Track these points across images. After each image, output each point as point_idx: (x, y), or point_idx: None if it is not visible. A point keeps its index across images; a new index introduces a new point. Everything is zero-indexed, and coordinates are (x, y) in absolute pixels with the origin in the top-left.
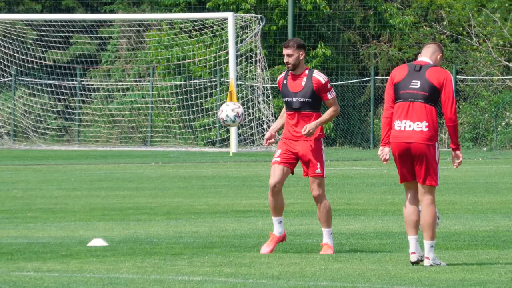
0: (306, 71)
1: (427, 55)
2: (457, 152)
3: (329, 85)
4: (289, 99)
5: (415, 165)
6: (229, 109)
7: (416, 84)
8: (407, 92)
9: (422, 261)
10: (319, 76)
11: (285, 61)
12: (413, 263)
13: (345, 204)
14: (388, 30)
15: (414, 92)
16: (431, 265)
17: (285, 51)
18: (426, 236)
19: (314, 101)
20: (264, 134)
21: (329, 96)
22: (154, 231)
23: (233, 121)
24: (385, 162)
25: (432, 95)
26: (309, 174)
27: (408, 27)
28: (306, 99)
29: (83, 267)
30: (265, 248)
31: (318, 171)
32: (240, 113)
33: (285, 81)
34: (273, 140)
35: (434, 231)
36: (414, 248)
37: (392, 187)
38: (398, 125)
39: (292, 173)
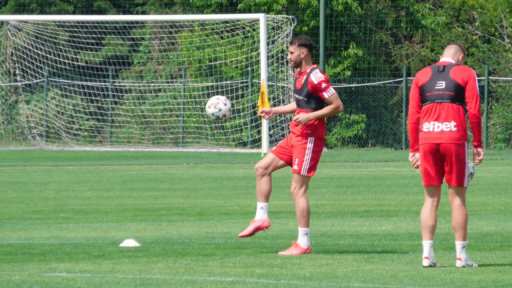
0: (308, 70)
1: (449, 55)
2: (479, 149)
3: (323, 85)
4: (294, 94)
5: (444, 166)
6: (208, 106)
7: (442, 84)
8: (433, 94)
9: (434, 266)
10: (314, 77)
11: (288, 57)
12: (425, 267)
13: (377, 205)
14: (420, 30)
15: (440, 93)
16: (463, 266)
17: (289, 48)
18: (458, 237)
19: (310, 100)
20: None
21: (326, 95)
22: (186, 232)
23: (219, 110)
24: (417, 169)
25: (458, 94)
26: (292, 170)
27: (440, 27)
28: (302, 97)
29: (115, 267)
30: (243, 232)
31: (295, 167)
32: (218, 102)
33: (296, 77)
34: (267, 116)
35: (466, 231)
36: (427, 253)
37: (424, 188)
38: (427, 126)
39: (287, 165)
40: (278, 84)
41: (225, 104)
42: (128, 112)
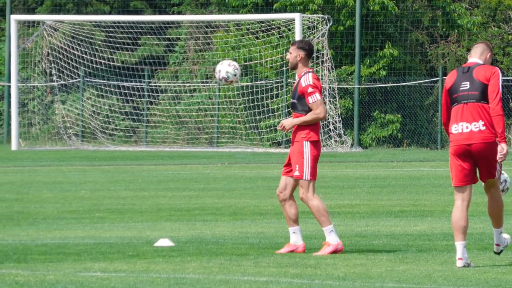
0: (302, 73)
1: (476, 55)
2: (502, 144)
3: (309, 89)
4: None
5: (478, 165)
6: (225, 66)
7: (466, 85)
8: (459, 95)
9: (468, 266)
10: (304, 80)
11: (286, 57)
12: (459, 268)
13: (412, 206)
14: (456, 30)
15: (465, 93)
16: (501, 251)
17: (290, 49)
18: (494, 224)
19: (300, 103)
20: (330, 135)
21: (310, 100)
22: (220, 232)
23: (234, 75)
24: None
25: (483, 93)
26: (293, 176)
27: (476, 27)
28: (294, 100)
29: (150, 267)
30: (279, 250)
31: (296, 173)
32: (236, 66)
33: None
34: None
35: (502, 219)
36: (461, 254)
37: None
38: (456, 128)
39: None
40: None
41: (235, 75)
42: (163, 112)
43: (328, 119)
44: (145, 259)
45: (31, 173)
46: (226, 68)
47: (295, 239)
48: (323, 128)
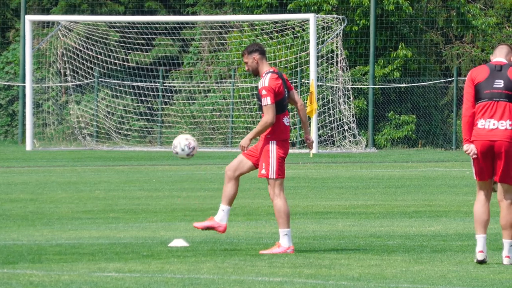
0: (264, 74)
1: (502, 55)
2: None
3: (263, 92)
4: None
5: (495, 163)
6: (182, 139)
7: (500, 83)
8: (491, 92)
9: (486, 261)
10: (261, 81)
11: (245, 69)
12: (479, 261)
13: (426, 206)
14: (471, 31)
15: (499, 91)
16: (511, 264)
17: (244, 60)
18: (506, 236)
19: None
20: (345, 136)
21: (262, 103)
22: (234, 232)
23: (182, 150)
24: (474, 156)
25: None
26: (258, 175)
27: (491, 28)
28: (259, 102)
29: (164, 267)
30: (197, 223)
31: (263, 171)
32: (191, 145)
33: None
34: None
35: None
36: (481, 246)
37: (474, 188)
38: (482, 124)
39: (254, 168)
40: (327, 84)
41: (183, 150)
42: (177, 112)
43: (342, 119)
44: (160, 259)
45: (46, 174)
46: (181, 140)
47: (222, 217)
48: (337, 129)
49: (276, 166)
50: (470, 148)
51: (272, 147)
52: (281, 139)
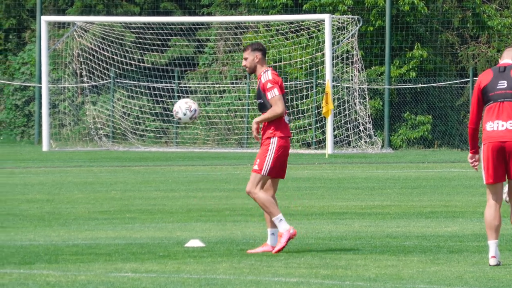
0: (262, 73)
1: (509, 57)
2: None
3: (268, 85)
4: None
5: (508, 163)
6: (182, 103)
7: (503, 84)
8: (496, 94)
9: (499, 265)
10: (263, 77)
11: (242, 64)
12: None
13: (443, 207)
14: (486, 31)
15: (503, 92)
16: None
17: (244, 55)
18: None
19: (266, 102)
20: (360, 136)
21: (269, 96)
22: (251, 232)
23: (184, 114)
24: (475, 168)
25: None
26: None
27: (507, 28)
28: (259, 100)
29: (181, 267)
30: (255, 249)
31: (256, 167)
32: (192, 107)
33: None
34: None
35: None
36: (494, 252)
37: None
38: (490, 126)
39: (280, 177)
40: (342, 85)
41: (185, 114)
42: None
43: (358, 119)
44: (176, 259)
45: (62, 174)
46: (181, 104)
47: (273, 241)
48: (353, 129)
49: (271, 165)
50: (474, 159)
51: (272, 146)
52: (283, 136)
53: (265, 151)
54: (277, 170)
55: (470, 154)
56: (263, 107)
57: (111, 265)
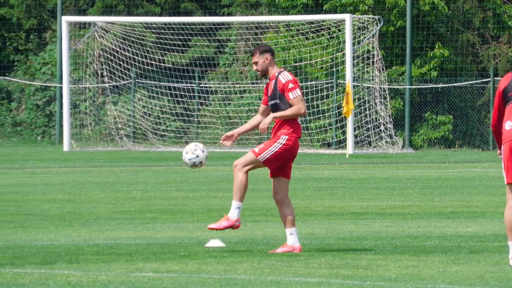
0: (276, 73)
1: None
2: None
3: (290, 85)
4: (269, 103)
5: None
6: (188, 154)
7: None
8: None
9: None
10: (282, 77)
11: (253, 69)
12: None
13: (463, 207)
14: (507, 31)
15: None
16: None
17: (252, 60)
18: None
19: (282, 103)
20: (381, 136)
21: (291, 96)
22: (271, 232)
23: (197, 156)
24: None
25: None
26: (269, 175)
27: None
28: (275, 101)
29: (201, 267)
30: (276, 250)
31: (256, 150)
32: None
33: (267, 88)
34: (228, 142)
35: None
36: None
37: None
38: (509, 125)
39: (285, 177)
40: (363, 85)
41: (203, 151)
42: (213, 113)
43: (379, 119)
44: (197, 259)
45: (83, 174)
46: (186, 155)
47: (293, 240)
48: (374, 129)
49: (270, 155)
50: (500, 152)
51: (282, 140)
52: (293, 135)
53: (272, 142)
54: (275, 166)
55: (498, 151)
56: (278, 108)
57: (132, 265)
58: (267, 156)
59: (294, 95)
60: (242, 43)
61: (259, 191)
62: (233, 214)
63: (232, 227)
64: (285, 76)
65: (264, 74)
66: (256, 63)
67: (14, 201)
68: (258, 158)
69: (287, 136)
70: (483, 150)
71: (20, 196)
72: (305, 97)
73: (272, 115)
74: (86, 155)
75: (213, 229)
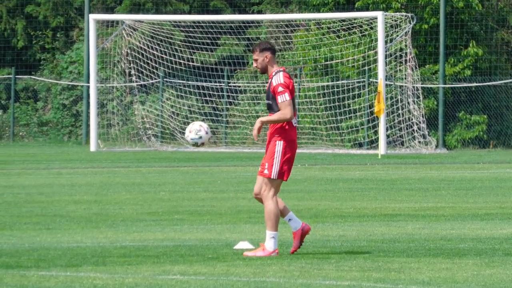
0: (273, 73)
1: None
2: None
3: (279, 88)
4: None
5: None
6: (191, 133)
7: None
8: None
9: None
10: (275, 79)
11: (253, 66)
12: None
13: (498, 208)
14: None
15: None
16: None
17: (253, 56)
18: None
19: (274, 103)
20: (414, 136)
21: (279, 100)
22: None
23: (200, 137)
24: None
25: None
26: (258, 173)
27: None
28: (268, 101)
29: (229, 270)
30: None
31: (266, 172)
32: (200, 129)
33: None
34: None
35: None
36: None
37: None
38: None
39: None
40: (395, 84)
41: (206, 133)
42: (242, 112)
43: (412, 119)
44: (225, 262)
45: (110, 174)
46: (189, 134)
47: (295, 224)
48: (407, 129)
49: (279, 167)
50: None
51: (279, 148)
52: (289, 140)
53: (271, 154)
54: (289, 172)
55: None
56: (271, 108)
57: (159, 268)
58: (277, 170)
59: (282, 99)
60: (272, 41)
61: (289, 192)
62: (269, 244)
63: (266, 255)
64: (278, 79)
65: (264, 72)
66: (256, 60)
67: (40, 202)
68: (272, 177)
69: (281, 142)
70: None
71: (46, 197)
72: (335, 97)
73: (259, 120)
74: (113, 156)
75: (248, 256)
